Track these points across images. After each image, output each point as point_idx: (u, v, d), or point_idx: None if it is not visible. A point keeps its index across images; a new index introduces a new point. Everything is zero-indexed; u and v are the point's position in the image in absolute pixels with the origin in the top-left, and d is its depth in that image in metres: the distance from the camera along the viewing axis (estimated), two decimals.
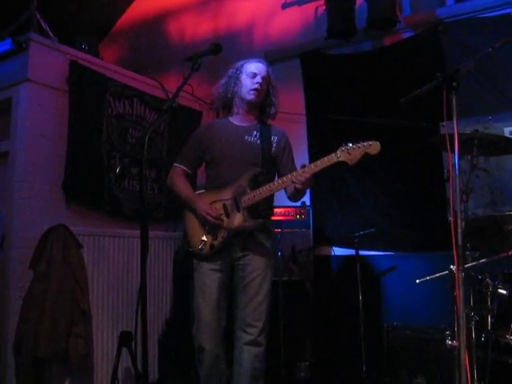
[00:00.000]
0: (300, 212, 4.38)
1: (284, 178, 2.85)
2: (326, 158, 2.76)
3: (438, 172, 3.93)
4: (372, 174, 4.34)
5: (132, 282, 4.13)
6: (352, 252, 4.06)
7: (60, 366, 3.46)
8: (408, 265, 4.10)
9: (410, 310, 4.05)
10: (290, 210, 4.35)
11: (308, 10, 4.99)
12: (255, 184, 2.92)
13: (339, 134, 4.42)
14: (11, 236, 3.59)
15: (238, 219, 2.90)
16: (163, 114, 2.43)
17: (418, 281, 2.99)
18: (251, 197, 2.88)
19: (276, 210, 3.92)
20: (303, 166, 2.81)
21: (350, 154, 2.71)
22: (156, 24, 6.02)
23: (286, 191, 3.02)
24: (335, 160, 2.73)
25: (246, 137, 3.04)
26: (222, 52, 2.67)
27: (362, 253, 4.03)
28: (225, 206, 2.93)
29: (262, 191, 2.87)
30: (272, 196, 2.98)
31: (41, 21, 3.82)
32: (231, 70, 3.11)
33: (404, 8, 4.55)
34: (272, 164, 3.05)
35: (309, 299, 4.29)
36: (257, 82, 3.01)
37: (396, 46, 4.47)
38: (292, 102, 4.60)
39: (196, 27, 5.72)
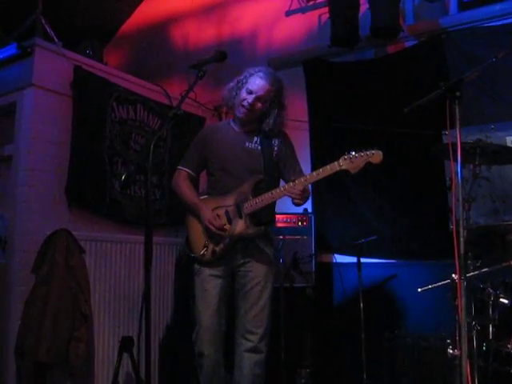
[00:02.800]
0: (302, 219, 4.36)
1: (286, 186, 2.86)
2: (328, 167, 2.76)
3: (440, 180, 3.95)
4: (375, 181, 4.33)
5: (133, 287, 4.14)
6: (354, 259, 4.06)
7: (61, 370, 3.46)
8: (409, 273, 4.10)
9: (412, 318, 4.05)
10: (291, 217, 4.34)
11: (311, 18, 4.99)
12: (257, 191, 2.93)
13: (342, 142, 4.43)
14: (14, 240, 3.60)
15: (240, 226, 2.91)
16: (168, 122, 2.44)
17: (419, 289, 2.99)
18: (253, 203, 2.89)
19: (278, 216, 3.92)
20: (293, 180, 2.81)
21: (352, 163, 2.71)
22: (160, 29, 6.03)
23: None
24: (337, 169, 2.74)
25: (247, 143, 3.05)
26: None
27: (363, 260, 4.02)
28: (227, 213, 2.94)
29: (265, 198, 2.87)
30: (274, 203, 2.98)
31: (46, 26, 3.84)
32: (240, 77, 3.05)
33: (407, 17, 4.56)
34: (275, 169, 3.04)
35: (310, 306, 4.28)
36: (246, 101, 2.95)
37: (399, 55, 4.47)
38: (295, 109, 4.59)
39: (200, 33, 5.73)
